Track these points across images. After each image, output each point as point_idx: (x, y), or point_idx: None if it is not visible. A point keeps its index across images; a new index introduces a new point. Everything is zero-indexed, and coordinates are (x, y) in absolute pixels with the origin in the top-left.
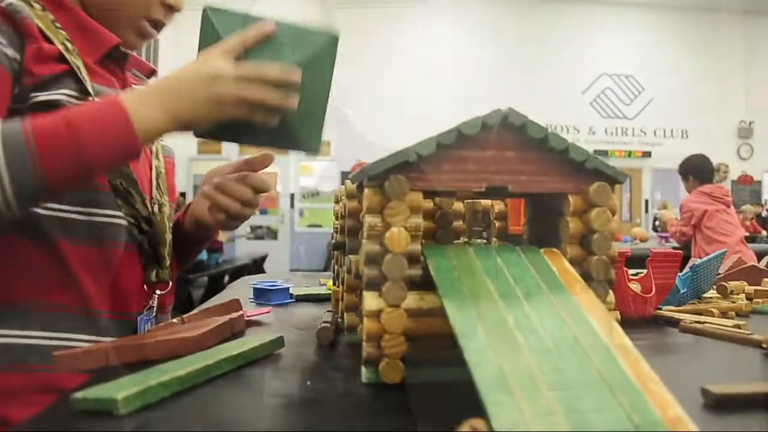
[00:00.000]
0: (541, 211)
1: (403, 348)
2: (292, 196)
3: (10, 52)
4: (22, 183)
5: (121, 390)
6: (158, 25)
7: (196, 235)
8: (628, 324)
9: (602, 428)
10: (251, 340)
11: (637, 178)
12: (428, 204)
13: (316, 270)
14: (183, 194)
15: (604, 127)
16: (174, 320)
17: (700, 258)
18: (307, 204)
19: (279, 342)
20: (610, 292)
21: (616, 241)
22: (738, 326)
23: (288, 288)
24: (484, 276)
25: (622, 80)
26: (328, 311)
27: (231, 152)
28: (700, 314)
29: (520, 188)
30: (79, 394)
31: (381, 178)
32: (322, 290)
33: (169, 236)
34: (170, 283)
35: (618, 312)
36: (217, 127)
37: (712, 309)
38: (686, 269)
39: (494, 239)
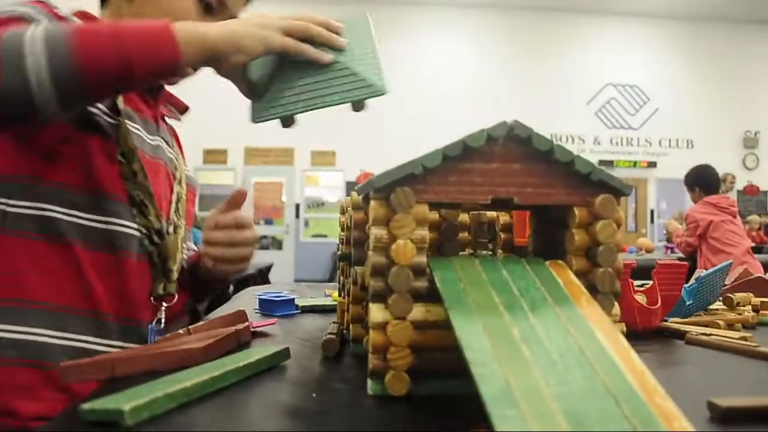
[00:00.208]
0: (546, 223)
1: (409, 360)
2: (297, 206)
3: None
4: (59, 66)
5: (129, 401)
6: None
7: (213, 279)
8: (633, 336)
9: None
10: (257, 351)
11: (642, 189)
12: (434, 216)
13: (321, 280)
14: None
15: (609, 137)
16: (180, 331)
17: (706, 269)
18: (312, 214)
19: (285, 353)
20: (616, 304)
21: (622, 252)
22: (744, 338)
23: (293, 299)
24: (490, 288)
25: (627, 90)
26: (334, 322)
27: (236, 161)
28: (706, 326)
29: (525, 200)
30: (86, 405)
31: (387, 191)
32: (328, 301)
33: (180, 255)
34: (176, 296)
35: (623, 324)
36: (279, 90)
37: (718, 321)
38: (692, 281)
39: (500, 251)
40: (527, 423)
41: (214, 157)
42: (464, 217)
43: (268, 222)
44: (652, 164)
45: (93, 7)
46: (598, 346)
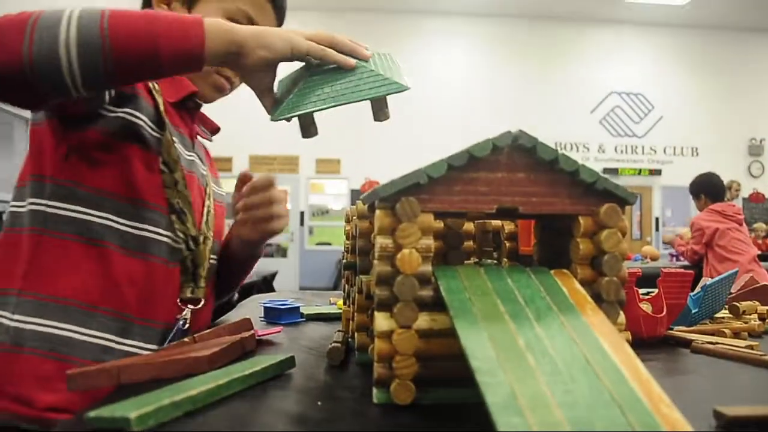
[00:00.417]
0: (551, 232)
1: (415, 369)
2: (302, 214)
3: None
4: (88, 39)
5: (135, 409)
6: (229, 80)
7: (245, 254)
8: (639, 344)
9: None
10: (262, 359)
11: (647, 196)
12: (438, 224)
13: (325, 288)
14: None
15: (614, 145)
16: (186, 339)
17: (712, 277)
18: (316, 222)
19: (290, 362)
20: (621, 313)
21: (626, 260)
22: (751, 347)
23: (298, 307)
24: (495, 297)
25: (631, 98)
26: (339, 331)
27: (241, 168)
28: (712, 335)
29: (530, 209)
30: (92, 413)
31: (392, 200)
32: (332, 309)
33: (208, 264)
34: (202, 301)
35: (629, 333)
36: (302, 94)
37: (724, 329)
38: (697, 289)
39: (504, 260)
40: (533, 431)
41: (219, 164)
42: (469, 226)
43: None
44: (656, 172)
45: None
46: (603, 354)
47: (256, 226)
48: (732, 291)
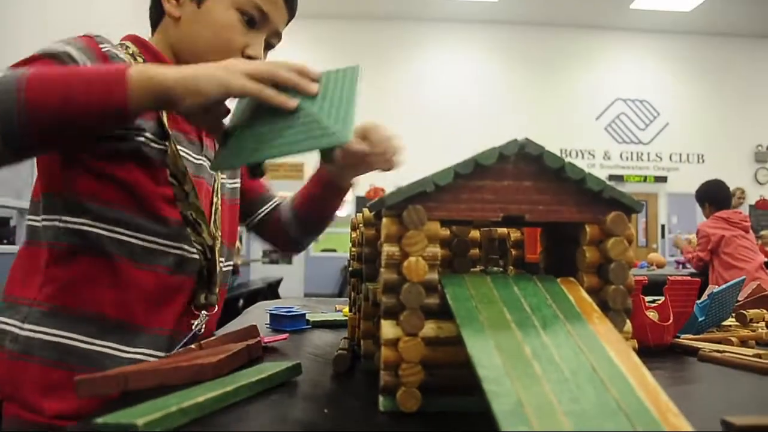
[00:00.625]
0: (557, 240)
1: (421, 377)
2: None
3: None
4: (4, 110)
5: (142, 415)
6: None
7: (332, 196)
8: (645, 353)
9: None
10: (269, 366)
11: (653, 203)
12: (445, 232)
13: (330, 295)
14: None
15: (620, 152)
16: (192, 346)
17: (718, 285)
18: None
19: (296, 369)
20: (628, 321)
21: (632, 267)
22: (759, 355)
23: (304, 314)
24: (502, 305)
25: (637, 105)
26: (345, 338)
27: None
28: (719, 343)
29: (537, 217)
30: (99, 419)
31: (399, 208)
32: (338, 316)
33: (218, 267)
34: (216, 307)
35: (635, 341)
36: (243, 137)
37: (731, 337)
38: (704, 297)
39: (510, 267)
40: None
41: None
42: (475, 234)
43: None
44: (662, 179)
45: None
46: (610, 363)
47: (387, 160)
48: (739, 299)
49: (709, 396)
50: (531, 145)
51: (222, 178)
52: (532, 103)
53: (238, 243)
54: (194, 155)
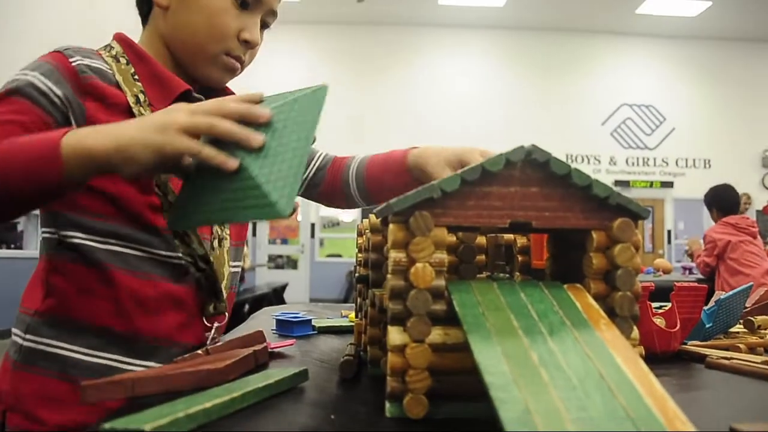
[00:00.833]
0: (564, 247)
1: (428, 383)
2: (312, 226)
3: (60, 102)
4: None
5: (149, 421)
6: (239, 59)
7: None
8: (652, 359)
9: None
10: (275, 372)
11: (659, 209)
12: (451, 238)
13: (336, 300)
14: None
15: (625, 157)
16: (199, 351)
17: (724, 290)
18: (327, 234)
19: (303, 375)
20: (635, 328)
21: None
22: (767, 362)
23: (310, 320)
24: (509, 312)
25: (643, 110)
26: (351, 344)
27: None
28: (726, 349)
29: (543, 224)
30: (107, 425)
31: (406, 214)
32: (344, 322)
33: (227, 270)
34: (227, 315)
35: (642, 347)
36: (191, 196)
37: (739, 344)
38: (711, 303)
39: (517, 273)
40: None
41: None
42: (481, 240)
43: (284, 241)
44: (668, 184)
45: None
46: (617, 370)
47: None
48: (746, 305)
49: (716, 403)
50: (538, 151)
51: None
52: (537, 108)
53: (245, 248)
54: None
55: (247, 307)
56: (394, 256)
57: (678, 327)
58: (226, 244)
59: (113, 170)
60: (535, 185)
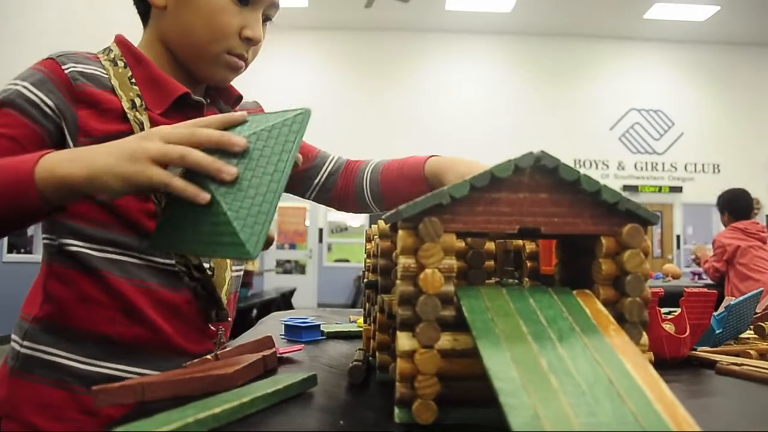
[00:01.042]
0: (573, 252)
1: (437, 388)
2: (320, 231)
3: (52, 112)
4: None
5: (160, 426)
6: (242, 56)
7: (430, 188)
8: (662, 365)
9: None
10: (284, 378)
11: (668, 214)
12: (460, 244)
13: (344, 305)
14: None
15: (634, 162)
16: (208, 356)
17: (734, 295)
18: (335, 239)
19: (312, 380)
20: (644, 333)
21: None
22: None
23: (319, 325)
24: (518, 318)
25: (651, 115)
26: (359, 349)
27: None
28: (737, 355)
29: (552, 230)
30: (118, 429)
31: (415, 220)
32: (353, 327)
33: (228, 275)
34: (230, 321)
35: (651, 353)
36: (172, 219)
37: (749, 350)
38: (721, 309)
39: (526, 279)
40: None
41: None
42: (490, 245)
43: (292, 246)
44: (677, 189)
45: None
46: (626, 376)
47: None
48: (757, 311)
49: (727, 409)
50: (547, 157)
51: None
52: (545, 113)
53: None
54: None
55: (255, 312)
56: (404, 261)
57: (688, 333)
58: None
59: (90, 195)
60: (544, 191)
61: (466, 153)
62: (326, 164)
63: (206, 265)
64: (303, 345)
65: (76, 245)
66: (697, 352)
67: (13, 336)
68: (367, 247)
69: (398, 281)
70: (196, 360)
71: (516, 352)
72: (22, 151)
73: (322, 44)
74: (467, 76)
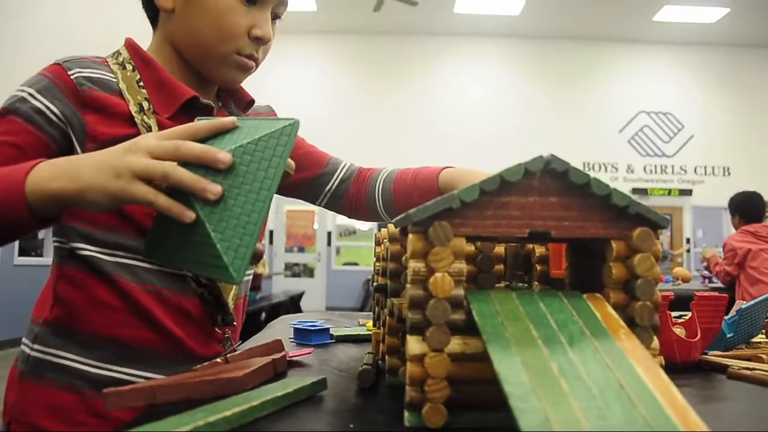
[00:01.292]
0: (583, 256)
1: (447, 392)
2: (329, 234)
3: (57, 119)
4: None
5: (170, 429)
6: (252, 57)
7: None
8: (672, 370)
9: None
10: (294, 381)
11: (677, 217)
12: (470, 248)
13: (352, 308)
14: None
15: (643, 165)
16: (218, 360)
17: (744, 299)
18: (343, 242)
19: (322, 384)
20: (655, 337)
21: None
22: None
23: (328, 328)
24: (528, 322)
25: (660, 117)
26: (369, 353)
27: None
28: (748, 360)
29: (562, 234)
30: (130, 431)
31: (425, 224)
32: (362, 331)
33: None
34: (236, 325)
35: (662, 357)
36: (162, 230)
37: (761, 355)
38: (732, 312)
39: (536, 283)
40: None
41: None
42: (499, 249)
43: (300, 250)
44: (687, 192)
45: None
46: (637, 380)
47: None
48: None
49: (739, 414)
50: (556, 161)
51: None
52: (553, 116)
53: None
54: None
55: (263, 315)
56: (414, 265)
57: (698, 337)
58: None
59: (80, 206)
60: (554, 195)
61: (473, 156)
62: (338, 171)
63: None
64: (312, 348)
65: (86, 249)
66: (708, 357)
67: (24, 339)
68: (377, 250)
69: (408, 285)
70: (206, 363)
71: (526, 356)
72: (26, 158)
73: (330, 48)
74: (475, 78)
